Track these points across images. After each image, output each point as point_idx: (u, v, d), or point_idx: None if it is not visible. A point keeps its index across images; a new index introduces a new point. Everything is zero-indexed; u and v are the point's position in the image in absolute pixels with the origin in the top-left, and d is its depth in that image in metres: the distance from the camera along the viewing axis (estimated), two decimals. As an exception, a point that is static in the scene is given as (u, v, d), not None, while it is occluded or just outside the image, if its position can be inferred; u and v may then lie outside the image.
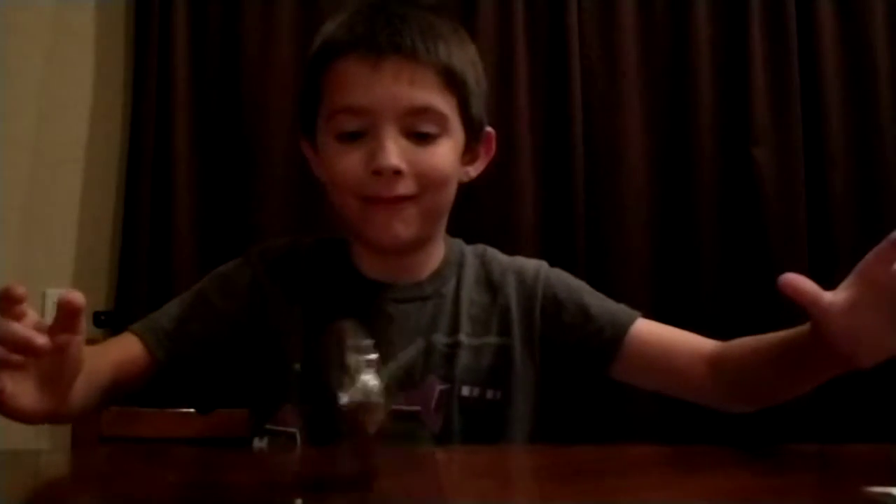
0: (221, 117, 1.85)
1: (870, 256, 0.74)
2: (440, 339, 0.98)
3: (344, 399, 0.63)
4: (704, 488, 0.68)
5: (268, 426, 0.97)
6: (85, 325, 0.73)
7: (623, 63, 1.89)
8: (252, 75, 1.84)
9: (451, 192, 0.99)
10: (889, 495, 0.59)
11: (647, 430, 1.77)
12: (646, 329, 1.00)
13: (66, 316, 0.71)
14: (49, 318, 0.71)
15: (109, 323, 1.81)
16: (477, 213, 1.81)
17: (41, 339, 0.69)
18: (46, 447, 1.49)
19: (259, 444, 0.98)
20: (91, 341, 1.65)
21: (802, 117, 1.87)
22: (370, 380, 0.65)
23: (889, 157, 1.86)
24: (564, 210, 1.84)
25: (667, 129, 1.89)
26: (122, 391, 0.96)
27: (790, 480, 0.72)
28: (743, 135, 1.86)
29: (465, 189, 1.76)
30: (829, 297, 0.75)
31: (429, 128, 0.94)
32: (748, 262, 1.82)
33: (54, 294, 1.83)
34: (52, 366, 0.73)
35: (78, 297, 0.70)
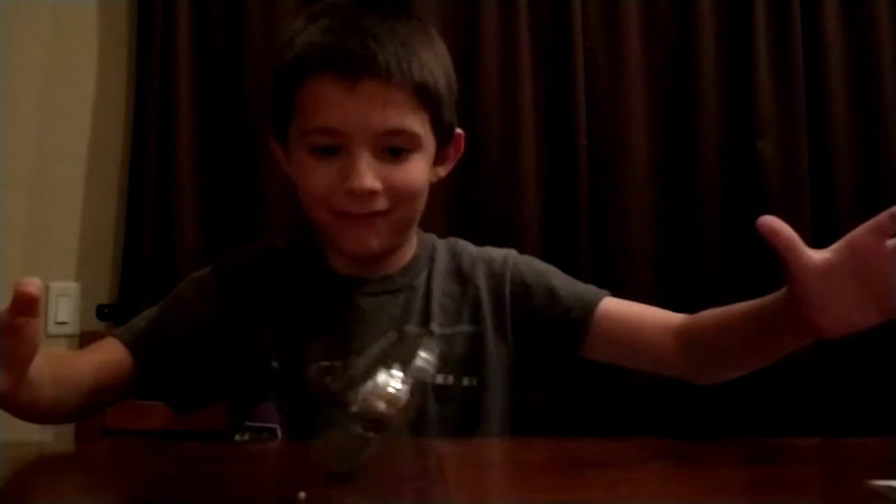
0: (224, 111, 1.85)
1: (865, 225, 0.74)
2: (412, 329, 1.00)
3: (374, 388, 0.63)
4: (707, 482, 0.67)
5: (248, 423, 0.98)
6: (42, 308, 0.73)
7: (627, 57, 1.88)
8: (255, 69, 1.84)
9: (422, 203, 1.00)
10: (891, 488, 0.59)
11: (651, 424, 1.77)
12: (613, 306, 1.01)
13: (23, 304, 0.70)
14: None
15: (113, 316, 1.81)
16: (481, 207, 1.81)
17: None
18: (50, 440, 1.49)
19: (240, 439, 0.99)
20: (94, 334, 1.67)
21: (807, 110, 1.86)
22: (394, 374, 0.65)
23: (894, 150, 1.85)
24: (568, 204, 1.84)
25: (671, 122, 1.89)
26: (108, 394, 0.97)
27: (793, 474, 0.72)
28: (747, 128, 1.86)
29: (470, 184, 1.78)
30: (809, 251, 0.75)
31: (401, 145, 0.95)
32: (752, 254, 1.82)
33: (58, 288, 1.83)
34: (8, 346, 0.74)
35: (34, 287, 0.70)
